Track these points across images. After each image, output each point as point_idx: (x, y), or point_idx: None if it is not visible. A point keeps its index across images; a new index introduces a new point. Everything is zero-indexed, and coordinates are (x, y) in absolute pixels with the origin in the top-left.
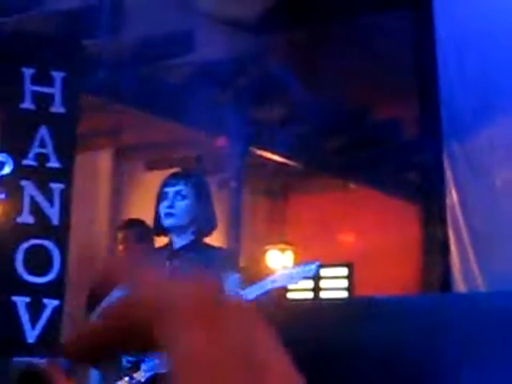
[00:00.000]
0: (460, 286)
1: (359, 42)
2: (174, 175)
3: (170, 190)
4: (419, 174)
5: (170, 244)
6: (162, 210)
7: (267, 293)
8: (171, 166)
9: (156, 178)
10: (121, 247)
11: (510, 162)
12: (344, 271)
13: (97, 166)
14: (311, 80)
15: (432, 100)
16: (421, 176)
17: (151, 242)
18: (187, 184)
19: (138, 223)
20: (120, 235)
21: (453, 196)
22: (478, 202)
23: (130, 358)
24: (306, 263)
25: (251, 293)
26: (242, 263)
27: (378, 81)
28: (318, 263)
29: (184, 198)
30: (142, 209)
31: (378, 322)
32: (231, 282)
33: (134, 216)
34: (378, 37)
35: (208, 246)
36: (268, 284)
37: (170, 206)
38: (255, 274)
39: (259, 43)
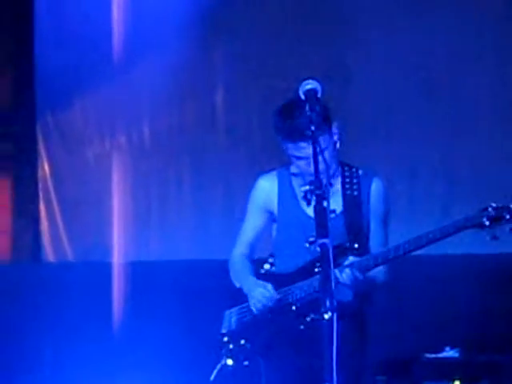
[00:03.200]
0: (49, 255)
1: None
2: None
3: None
4: (11, 142)
5: None
6: None
7: None
8: None
9: None
10: None
11: (100, 137)
12: None
13: None
14: None
15: (26, 69)
16: (13, 147)
17: None
18: None
19: None
20: None
21: (45, 168)
22: (69, 174)
23: None
24: None
25: None
26: None
27: None
28: None
29: None
30: None
31: None
32: None
33: None
34: None
35: None
36: None
37: None
38: None
39: None
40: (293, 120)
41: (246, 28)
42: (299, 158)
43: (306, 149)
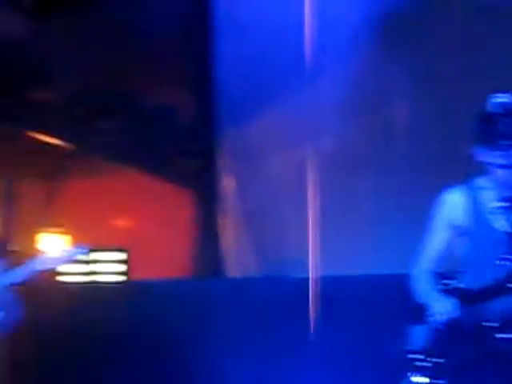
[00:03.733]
0: (233, 270)
1: (132, 26)
2: None
3: None
4: (193, 159)
5: None
6: None
7: (34, 274)
8: None
9: None
10: None
11: (278, 150)
12: (120, 255)
13: None
14: (85, 63)
15: (207, 86)
16: (195, 161)
17: None
18: None
19: None
20: None
21: (228, 182)
22: (250, 187)
23: None
24: (76, 246)
25: (16, 274)
26: (15, 247)
27: (153, 65)
28: (86, 247)
29: None
30: None
31: (152, 305)
32: None
33: None
34: (150, 20)
35: None
36: (34, 265)
37: None
38: (29, 258)
39: (34, 27)
40: (496, 126)
41: (428, 46)
42: (498, 167)
43: (507, 157)
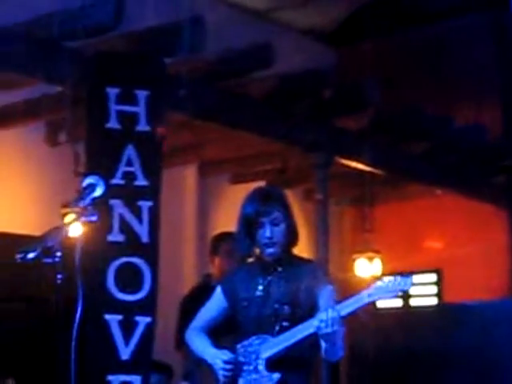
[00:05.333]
0: None
1: (439, 49)
2: (265, 202)
3: (266, 220)
4: (506, 177)
5: (259, 258)
6: (262, 239)
7: (364, 307)
8: (255, 179)
9: (241, 191)
10: (224, 259)
11: None
12: (433, 277)
13: (182, 182)
14: (393, 88)
15: None
16: (507, 179)
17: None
18: (280, 209)
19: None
20: (226, 247)
21: None
22: None
23: (227, 373)
24: (402, 276)
25: (348, 307)
26: (330, 272)
27: (461, 86)
28: (412, 276)
29: (279, 223)
30: (228, 222)
31: (470, 327)
32: (326, 293)
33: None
34: (458, 43)
35: (298, 258)
36: (364, 298)
37: (270, 237)
38: (344, 283)
39: (340, 53)
40: None
41: None
42: None
43: None
